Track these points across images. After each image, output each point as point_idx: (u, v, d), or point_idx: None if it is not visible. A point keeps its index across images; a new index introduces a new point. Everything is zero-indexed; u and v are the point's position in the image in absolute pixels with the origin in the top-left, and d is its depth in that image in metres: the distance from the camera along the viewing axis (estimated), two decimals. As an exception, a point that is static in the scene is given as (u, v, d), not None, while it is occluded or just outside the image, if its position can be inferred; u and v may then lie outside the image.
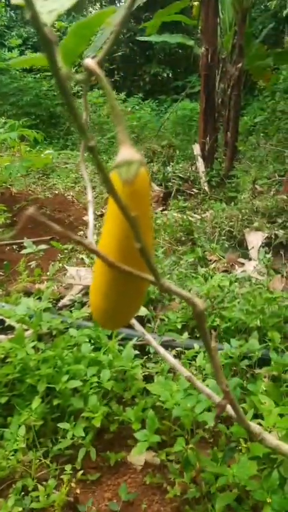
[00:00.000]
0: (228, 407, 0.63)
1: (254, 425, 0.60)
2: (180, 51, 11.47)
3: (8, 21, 11.29)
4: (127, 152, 0.46)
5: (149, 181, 0.48)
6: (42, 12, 0.46)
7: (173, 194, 5.24)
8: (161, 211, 4.74)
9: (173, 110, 8.31)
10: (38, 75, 8.85)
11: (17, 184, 5.05)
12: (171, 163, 6.16)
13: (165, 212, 4.60)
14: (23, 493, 1.40)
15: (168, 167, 5.95)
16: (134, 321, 0.68)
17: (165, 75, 11.39)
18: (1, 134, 4.99)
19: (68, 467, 1.47)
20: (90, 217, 0.72)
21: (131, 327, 2.26)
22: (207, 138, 5.83)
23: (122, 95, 9.61)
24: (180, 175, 5.73)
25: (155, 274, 0.47)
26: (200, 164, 5.80)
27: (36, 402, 1.59)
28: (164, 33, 7.66)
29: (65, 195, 5.21)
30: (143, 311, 2.19)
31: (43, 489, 1.38)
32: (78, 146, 7.84)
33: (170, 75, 11.47)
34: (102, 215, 4.24)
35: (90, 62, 0.48)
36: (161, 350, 0.65)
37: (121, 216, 0.44)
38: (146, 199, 0.48)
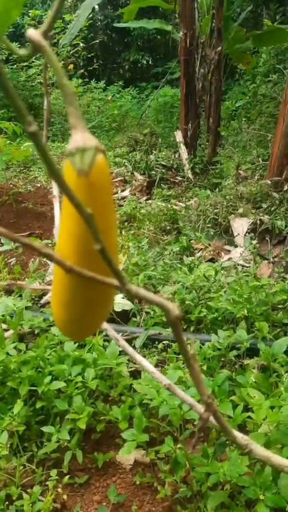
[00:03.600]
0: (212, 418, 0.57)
1: (240, 436, 0.55)
2: (158, 36, 11.29)
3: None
4: (81, 137, 0.39)
5: (108, 170, 0.41)
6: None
7: (156, 183, 5.16)
8: (145, 200, 4.67)
9: (154, 97, 8.18)
10: (15, 65, 8.64)
11: (-3, 179, 4.92)
12: (154, 151, 6.06)
13: (150, 201, 4.53)
14: (6, 503, 1.34)
15: (151, 155, 5.86)
16: (106, 326, 0.62)
17: (144, 62, 11.23)
18: (-22, 127, 4.84)
19: (53, 473, 1.41)
20: (56, 214, 0.65)
21: (115, 322, 2.21)
22: (189, 125, 5.74)
23: (102, 83, 9.45)
24: (164, 163, 5.65)
25: (119, 278, 0.41)
26: (183, 151, 5.72)
27: (18, 406, 1.52)
28: (142, 19, 7.52)
29: (48, 187, 5.10)
30: (128, 305, 2.14)
31: (28, 497, 1.32)
32: (59, 137, 7.69)
33: (150, 61, 11.31)
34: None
35: (33, 33, 0.41)
36: (138, 357, 0.59)
37: (76, 213, 0.37)
38: (105, 192, 0.41)
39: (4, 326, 1.90)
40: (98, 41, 10.03)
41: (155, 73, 11.35)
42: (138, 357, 0.59)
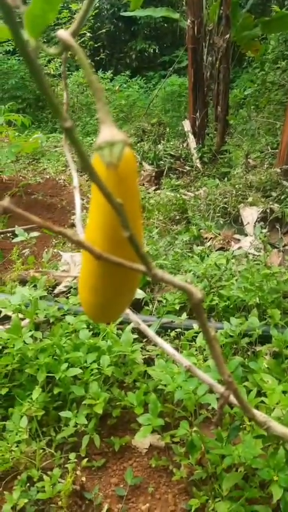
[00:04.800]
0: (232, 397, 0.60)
1: (259, 414, 0.57)
2: (165, 25, 11.18)
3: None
4: (109, 132, 0.42)
5: (136, 162, 0.44)
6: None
7: (165, 173, 5.17)
8: (154, 190, 4.68)
9: (161, 87, 8.14)
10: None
11: (7, 171, 4.95)
12: (162, 141, 6.05)
13: (158, 191, 4.54)
14: (28, 485, 1.39)
15: (159, 145, 5.85)
16: (128, 311, 0.65)
17: (151, 51, 11.13)
18: (-13, 120, 4.86)
19: (72, 456, 1.46)
20: (77, 205, 0.68)
21: (129, 310, 2.24)
22: (197, 114, 5.72)
23: (109, 74, 9.40)
24: (172, 153, 5.64)
25: (145, 264, 0.44)
26: (191, 141, 5.70)
27: (36, 392, 1.57)
28: (149, 7, 7.45)
29: (57, 179, 5.13)
30: (140, 294, 2.17)
31: (48, 479, 1.37)
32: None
33: (157, 50, 11.21)
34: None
35: (63, 33, 0.43)
36: (158, 340, 0.62)
37: (106, 203, 0.40)
38: (132, 183, 0.44)
39: (20, 315, 1.94)
40: (104, 31, 9.96)
41: (162, 62, 11.26)
42: (159, 340, 0.62)
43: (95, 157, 0.42)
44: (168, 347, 0.60)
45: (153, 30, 11.46)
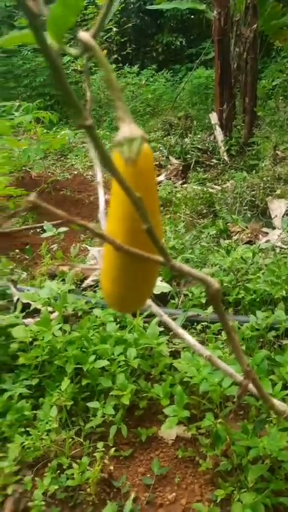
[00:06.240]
0: (252, 386, 0.61)
1: (278, 403, 0.59)
2: (192, 17, 11.07)
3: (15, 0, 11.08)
4: (128, 129, 0.44)
5: (152, 157, 0.45)
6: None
7: (192, 166, 5.14)
8: (181, 184, 4.67)
9: (188, 79, 8.08)
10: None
11: (36, 167, 5.04)
12: (189, 134, 6.02)
13: (185, 185, 4.53)
14: (58, 472, 1.44)
15: (186, 139, 5.83)
16: (151, 303, 0.66)
17: (178, 43, 11.04)
18: (17, 118, 4.96)
19: (100, 445, 1.49)
20: (100, 200, 0.70)
21: (155, 304, 2.25)
22: (225, 106, 5.66)
23: (135, 68, 9.39)
24: (199, 146, 5.61)
25: (164, 255, 0.45)
26: (218, 133, 5.66)
27: (65, 383, 1.61)
28: (175, -1, 7.39)
29: (84, 174, 5.19)
30: (166, 287, 2.18)
31: (77, 467, 1.41)
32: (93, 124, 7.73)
33: (184, 43, 11.11)
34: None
35: (84, 35, 0.45)
36: (180, 330, 0.64)
37: (126, 197, 0.42)
38: (150, 177, 0.46)
39: (49, 309, 1.99)
40: (130, 25, 9.95)
41: (189, 54, 11.16)
42: (181, 330, 0.64)
43: (115, 154, 0.44)
44: (189, 337, 0.62)
45: (180, 22, 11.36)
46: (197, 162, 5.26)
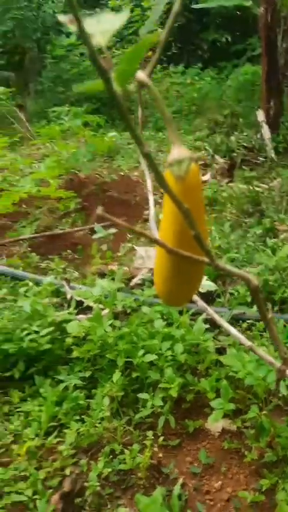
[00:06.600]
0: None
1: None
2: (238, 13, 10.95)
3: (64, 6, 11.41)
4: (178, 151, 0.52)
5: (200, 175, 0.53)
6: (96, 34, 0.52)
7: (238, 165, 5.14)
8: (226, 183, 4.68)
9: (234, 76, 8.03)
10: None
11: (85, 170, 5.22)
12: (234, 132, 6.00)
13: (231, 184, 4.54)
14: (111, 456, 1.54)
15: (231, 137, 5.82)
16: (197, 298, 0.74)
17: (224, 40, 10.97)
18: (66, 122, 5.17)
19: (149, 434, 1.59)
20: (150, 206, 0.78)
21: (201, 301, 2.32)
22: (272, 103, 5.61)
23: (181, 67, 9.43)
24: (245, 144, 5.59)
25: (209, 256, 0.53)
26: (265, 131, 5.60)
27: (116, 375, 1.72)
28: (220, -3, 7.36)
29: (130, 175, 5.31)
30: (212, 286, 2.24)
31: (129, 453, 1.52)
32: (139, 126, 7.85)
33: (229, 39, 11.02)
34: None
35: (141, 75, 0.54)
36: (224, 323, 0.71)
37: (176, 209, 0.50)
38: (197, 192, 0.54)
39: (100, 306, 2.11)
40: (176, 25, 9.99)
41: (234, 51, 11.05)
42: (225, 324, 0.71)
43: (166, 172, 0.53)
44: (232, 328, 0.69)
45: (225, 19, 11.27)
46: (243, 160, 5.24)
